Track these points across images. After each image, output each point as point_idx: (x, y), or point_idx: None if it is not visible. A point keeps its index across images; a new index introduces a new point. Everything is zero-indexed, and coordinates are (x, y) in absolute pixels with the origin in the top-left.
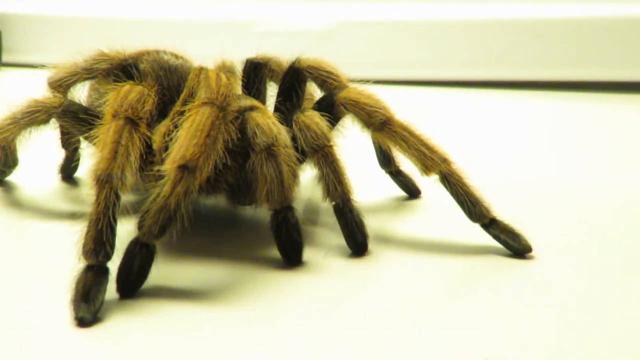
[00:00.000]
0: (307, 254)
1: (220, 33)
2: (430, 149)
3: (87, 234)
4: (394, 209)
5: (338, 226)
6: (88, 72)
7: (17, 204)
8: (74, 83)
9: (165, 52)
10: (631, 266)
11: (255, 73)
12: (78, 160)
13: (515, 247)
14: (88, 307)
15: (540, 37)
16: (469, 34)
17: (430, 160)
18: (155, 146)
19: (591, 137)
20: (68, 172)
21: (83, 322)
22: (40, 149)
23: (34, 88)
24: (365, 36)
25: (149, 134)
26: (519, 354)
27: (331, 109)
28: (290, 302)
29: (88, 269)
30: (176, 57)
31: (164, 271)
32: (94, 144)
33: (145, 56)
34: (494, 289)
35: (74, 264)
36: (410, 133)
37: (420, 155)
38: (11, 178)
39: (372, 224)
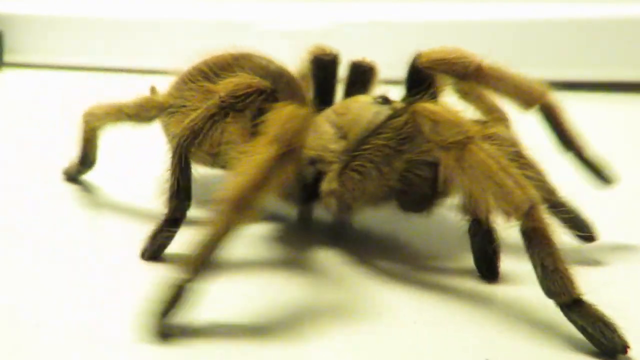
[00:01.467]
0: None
1: (220, 33)
2: (528, 80)
3: (197, 251)
4: None
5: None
6: (131, 118)
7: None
8: (111, 124)
9: (259, 57)
10: (632, 266)
11: (363, 77)
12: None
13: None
14: (162, 321)
15: (540, 37)
16: (469, 34)
17: (530, 89)
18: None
19: (591, 137)
20: (75, 178)
21: (153, 333)
22: None
23: (36, 88)
24: (366, 36)
25: (292, 172)
26: (520, 354)
27: (415, 76)
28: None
29: (181, 281)
30: (269, 61)
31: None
32: (235, 161)
33: (242, 61)
34: (495, 289)
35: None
36: (503, 70)
37: (520, 88)
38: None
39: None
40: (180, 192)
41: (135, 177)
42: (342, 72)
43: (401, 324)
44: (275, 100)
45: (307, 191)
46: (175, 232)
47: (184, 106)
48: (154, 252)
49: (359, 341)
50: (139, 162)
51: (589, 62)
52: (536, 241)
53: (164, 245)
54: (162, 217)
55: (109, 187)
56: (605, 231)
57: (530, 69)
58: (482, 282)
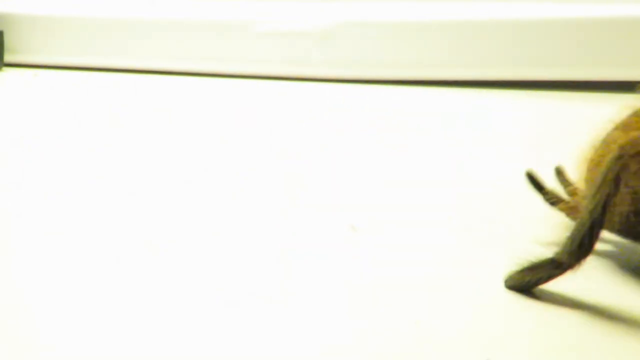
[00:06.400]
0: None
1: (220, 33)
2: None
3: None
4: None
5: None
6: None
7: None
8: None
9: None
10: (637, 269)
11: None
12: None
13: None
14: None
15: (541, 37)
16: (468, 34)
17: None
18: None
19: (591, 137)
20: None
21: (507, 285)
22: None
23: (36, 88)
24: (366, 36)
25: None
26: (520, 354)
27: None
28: None
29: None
30: None
31: None
32: None
33: None
34: (496, 289)
35: None
36: None
37: None
38: None
39: None
40: (587, 238)
41: None
42: None
43: (402, 324)
44: None
45: None
46: (554, 277)
47: None
48: (521, 285)
49: (359, 341)
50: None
51: (589, 62)
52: None
53: (536, 284)
54: (551, 255)
55: None
56: None
57: (530, 69)
58: (483, 283)
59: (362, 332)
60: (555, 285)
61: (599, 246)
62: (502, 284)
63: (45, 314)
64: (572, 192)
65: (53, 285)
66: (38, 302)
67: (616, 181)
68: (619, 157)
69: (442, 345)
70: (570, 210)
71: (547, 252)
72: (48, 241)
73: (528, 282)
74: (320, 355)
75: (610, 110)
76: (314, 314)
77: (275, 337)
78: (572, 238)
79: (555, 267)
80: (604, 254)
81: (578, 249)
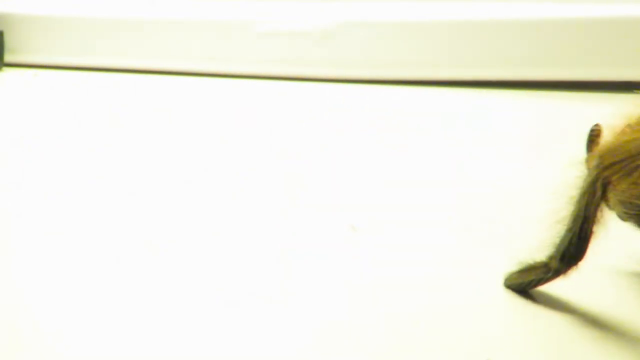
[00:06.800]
0: None
1: (220, 33)
2: None
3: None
4: None
5: None
6: None
7: None
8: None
9: None
10: (635, 272)
11: None
12: None
13: None
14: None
15: (541, 37)
16: (468, 34)
17: None
18: None
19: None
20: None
21: (506, 285)
22: None
23: (36, 88)
24: (366, 36)
25: None
26: (521, 354)
27: None
28: None
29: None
30: None
31: None
32: None
33: None
34: (495, 289)
35: None
36: None
37: None
38: None
39: None
40: (577, 245)
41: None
42: None
43: (402, 324)
44: None
45: None
46: (547, 281)
47: None
48: (517, 286)
49: (359, 341)
50: None
51: (589, 62)
52: None
53: (530, 286)
54: (544, 259)
55: None
56: None
57: (530, 69)
58: (483, 283)
59: (362, 332)
60: (555, 286)
61: (597, 248)
62: (501, 284)
63: (46, 314)
64: None
65: (53, 285)
66: (38, 302)
67: (594, 190)
68: (597, 166)
69: (442, 345)
70: None
71: (544, 254)
72: (48, 241)
73: (521, 283)
74: (320, 355)
75: (610, 110)
76: (314, 314)
77: (275, 337)
78: (559, 245)
79: (546, 271)
80: (603, 256)
81: (564, 256)
